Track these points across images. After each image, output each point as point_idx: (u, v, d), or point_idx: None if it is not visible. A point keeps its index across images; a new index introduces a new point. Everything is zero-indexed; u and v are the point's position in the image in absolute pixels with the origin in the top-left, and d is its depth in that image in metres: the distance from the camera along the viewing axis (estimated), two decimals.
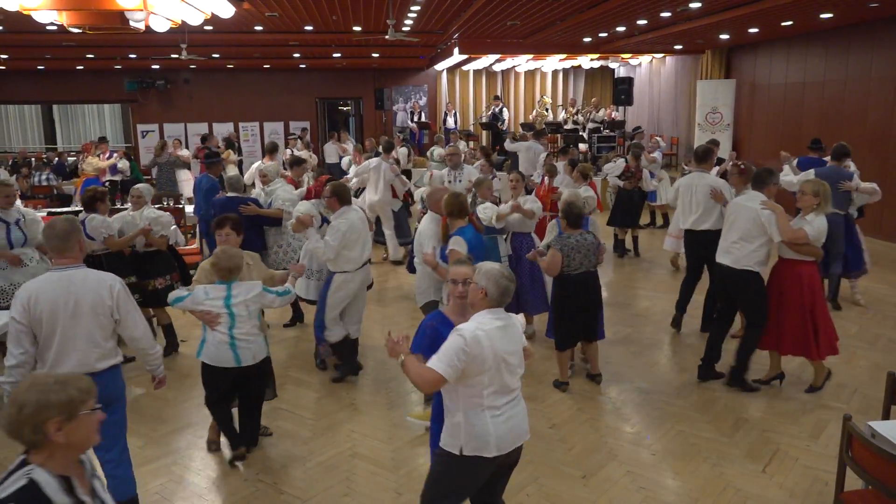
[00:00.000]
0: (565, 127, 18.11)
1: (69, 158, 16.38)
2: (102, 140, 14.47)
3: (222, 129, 19.85)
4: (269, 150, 9.84)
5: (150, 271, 6.49)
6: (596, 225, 6.78)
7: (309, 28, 12.94)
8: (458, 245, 4.93)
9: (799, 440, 4.92)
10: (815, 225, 5.27)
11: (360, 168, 9.98)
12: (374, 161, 9.81)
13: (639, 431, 5.12)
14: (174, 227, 6.66)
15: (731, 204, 5.81)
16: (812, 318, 5.41)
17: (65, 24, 6.92)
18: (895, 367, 4.99)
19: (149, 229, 6.33)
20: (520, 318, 3.30)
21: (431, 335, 3.35)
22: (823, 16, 10.86)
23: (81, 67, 18.72)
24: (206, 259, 4.87)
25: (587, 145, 16.52)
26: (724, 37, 13.77)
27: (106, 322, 3.64)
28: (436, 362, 2.92)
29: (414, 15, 11.85)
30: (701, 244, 6.68)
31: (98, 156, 13.62)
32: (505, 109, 19.85)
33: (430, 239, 5.46)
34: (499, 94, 21.18)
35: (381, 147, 10.21)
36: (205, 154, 11.09)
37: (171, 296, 4.61)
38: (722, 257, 5.71)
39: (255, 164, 9.77)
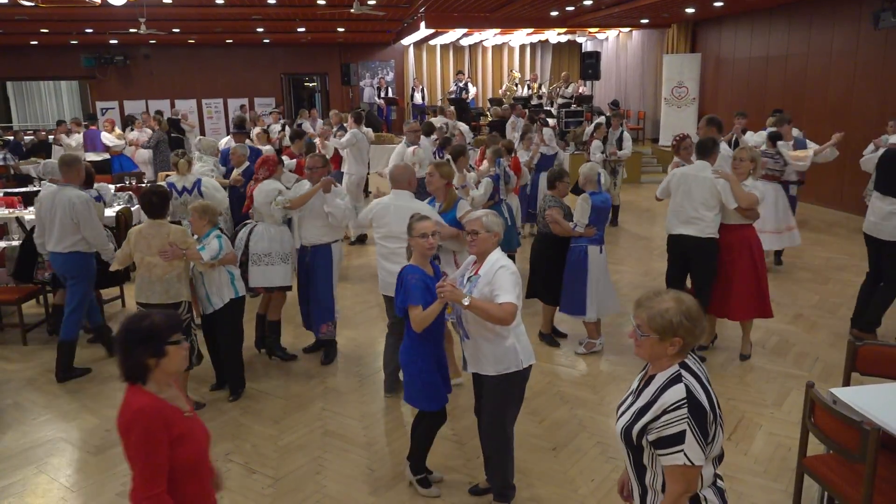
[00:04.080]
0: (531, 102, 18.07)
1: (25, 137, 15.88)
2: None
3: (185, 106, 19.43)
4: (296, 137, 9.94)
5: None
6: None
7: (272, 1, 12.66)
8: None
9: (763, 408, 5.03)
10: (759, 189, 5.54)
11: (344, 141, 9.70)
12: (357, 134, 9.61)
13: (608, 403, 5.18)
14: None
15: (681, 174, 5.80)
16: (760, 278, 5.64)
17: None
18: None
19: None
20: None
21: (423, 286, 3.60)
22: None
23: (35, 43, 18.11)
24: (173, 227, 4.92)
25: (555, 120, 16.51)
26: (690, 11, 13.82)
27: (69, 222, 5.55)
28: (506, 295, 3.39)
29: None
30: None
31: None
32: (470, 84, 19.73)
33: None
34: (466, 68, 21.04)
35: (352, 118, 10.01)
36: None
37: (212, 249, 4.89)
38: (683, 228, 5.77)
39: (224, 140, 9.68)
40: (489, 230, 3.57)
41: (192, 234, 5.06)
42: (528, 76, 20.97)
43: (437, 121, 11.89)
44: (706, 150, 5.72)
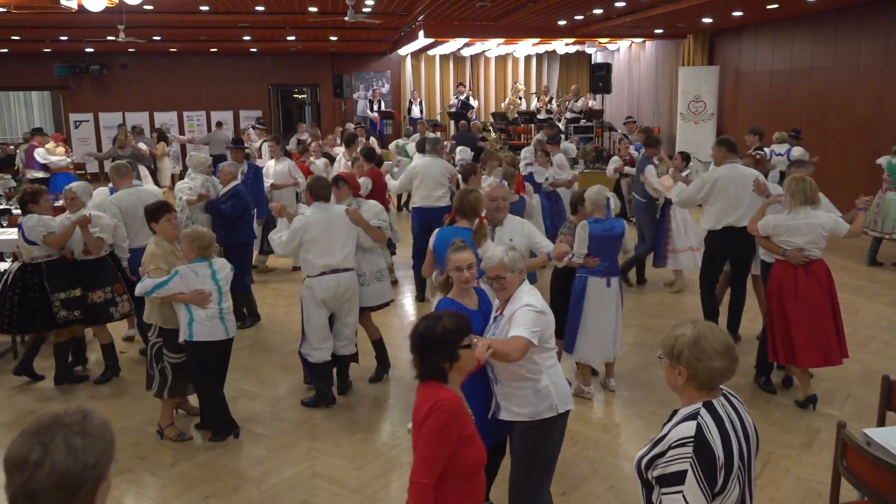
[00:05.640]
0: (538, 117, 18.18)
1: None
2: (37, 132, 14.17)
3: (164, 119, 19.54)
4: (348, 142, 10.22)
5: (88, 282, 6.15)
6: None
7: (260, 8, 12.80)
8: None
9: (790, 449, 4.99)
10: (769, 218, 5.57)
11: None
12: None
13: (622, 444, 5.15)
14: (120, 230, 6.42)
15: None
16: (784, 321, 5.52)
17: None
18: (889, 370, 5.10)
19: (88, 219, 5.96)
20: None
21: None
22: None
23: (6, 51, 18.27)
24: (150, 245, 5.17)
25: (563, 135, 16.63)
26: (707, 20, 13.98)
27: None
28: (516, 329, 3.36)
29: None
30: (737, 242, 6.56)
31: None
32: (471, 97, 19.88)
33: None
34: (467, 80, 21.21)
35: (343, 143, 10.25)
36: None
37: (146, 285, 4.90)
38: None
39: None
40: (513, 269, 3.50)
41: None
42: (532, 89, 21.14)
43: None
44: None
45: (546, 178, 9.11)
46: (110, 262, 6.31)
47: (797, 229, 5.41)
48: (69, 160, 13.33)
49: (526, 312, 3.39)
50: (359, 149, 9.66)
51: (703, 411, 2.34)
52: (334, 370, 5.90)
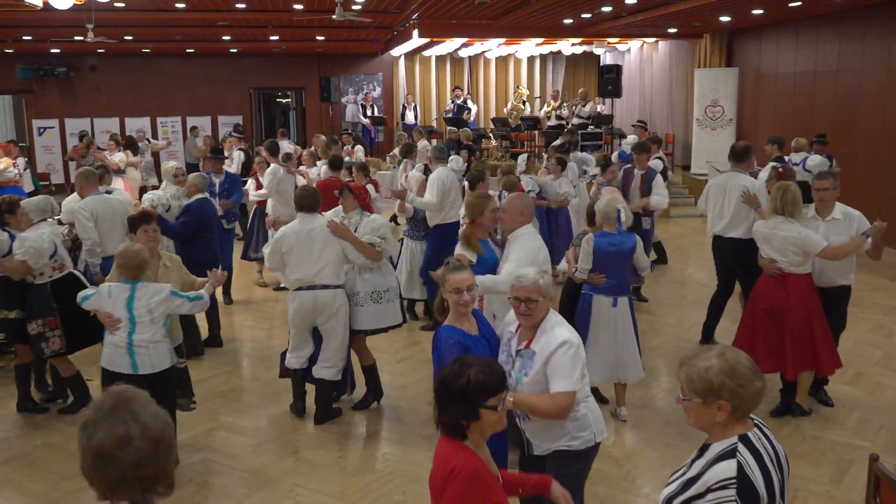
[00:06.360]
0: (549, 123, 18.22)
1: None
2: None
3: (136, 125, 19.55)
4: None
5: (28, 307, 5.91)
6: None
7: (241, 6, 12.85)
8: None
9: (818, 485, 4.99)
10: (756, 223, 6.07)
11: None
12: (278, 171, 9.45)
13: (634, 479, 5.14)
14: (60, 254, 6.02)
15: None
16: (752, 328, 5.92)
17: None
18: None
19: None
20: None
21: (461, 351, 3.52)
22: None
23: None
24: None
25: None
26: (725, 19, 14.08)
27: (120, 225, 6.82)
28: (560, 382, 3.38)
29: None
30: (725, 253, 6.88)
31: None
32: (470, 101, 19.94)
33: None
34: (465, 83, 21.29)
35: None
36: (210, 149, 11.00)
37: (82, 294, 5.05)
38: None
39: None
40: (545, 295, 3.50)
41: None
42: (536, 92, 21.23)
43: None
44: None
45: (529, 191, 9.01)
46: (48, 290, 5.88)
47: (766, 238, 5.74)
48: (16, 171, 13.34)
49: (566, 358, 3.39)
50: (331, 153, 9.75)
51: (742, 447, 2.34)
52: (304, 383, 6.09)
